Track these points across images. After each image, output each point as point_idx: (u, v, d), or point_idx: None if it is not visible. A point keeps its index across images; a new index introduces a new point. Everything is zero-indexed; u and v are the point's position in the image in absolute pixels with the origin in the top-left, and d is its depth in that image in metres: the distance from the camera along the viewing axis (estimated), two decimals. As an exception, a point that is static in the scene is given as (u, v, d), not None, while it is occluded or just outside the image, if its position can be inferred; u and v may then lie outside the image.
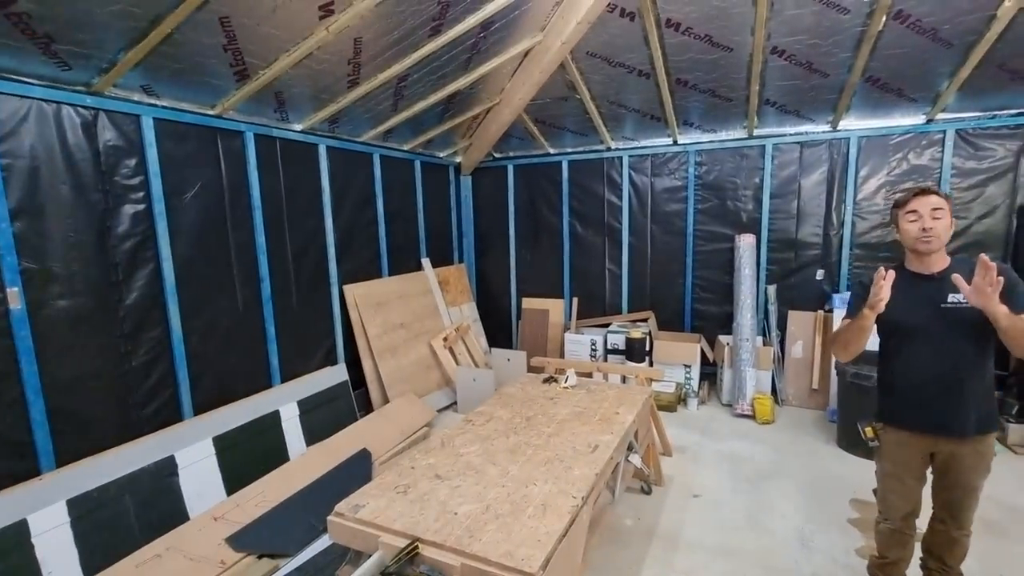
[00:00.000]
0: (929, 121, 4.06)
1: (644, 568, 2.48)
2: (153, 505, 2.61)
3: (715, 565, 2.49)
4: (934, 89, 3.77)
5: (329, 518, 1.82)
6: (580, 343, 5.12)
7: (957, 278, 1.65)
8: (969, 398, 1.80)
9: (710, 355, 4.87)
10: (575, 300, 5.52)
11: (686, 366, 4.61)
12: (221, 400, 3.19)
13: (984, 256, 1.59)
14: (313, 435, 3.56)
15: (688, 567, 2.48)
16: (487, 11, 3.08)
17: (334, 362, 4.11)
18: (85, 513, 2.36)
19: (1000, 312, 1.61)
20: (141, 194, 2.80)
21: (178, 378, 2.98)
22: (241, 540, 2.56)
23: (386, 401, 4.20)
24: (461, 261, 5.97)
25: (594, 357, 5.04)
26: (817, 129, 4.42)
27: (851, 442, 3.55)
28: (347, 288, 4.20)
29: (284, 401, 3.51)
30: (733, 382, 4.40)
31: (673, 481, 3.26)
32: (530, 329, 5.63)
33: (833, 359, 4.14)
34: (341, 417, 3.87)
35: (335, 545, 1.99)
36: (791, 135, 4.50)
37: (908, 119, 4.13)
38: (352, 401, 4.06)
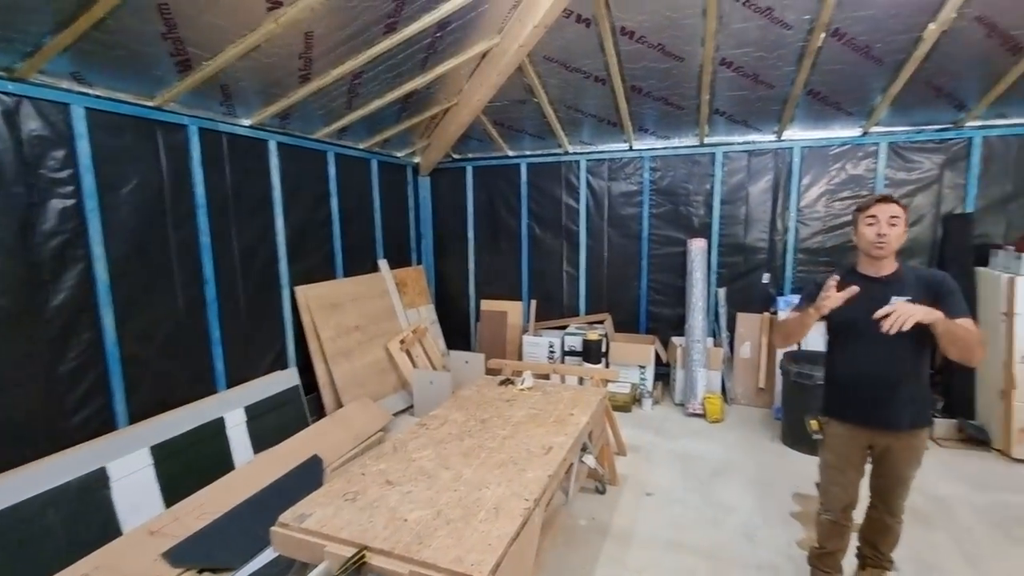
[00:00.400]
0: (865, 134, 4.31)
1: (597, 567, 2.50)
2: (82, 521, 2.44)
3: (666, 561, 2.54)
4: (869, 103, 4.01)
5: (272, 529, 1.74)
6: (538, 345, 5.14)
7: (883, 313, 1.74)
8: (906, 395, 1.92)
9: (664, 356, 4.99)
10: (533, 302, 5.55)
11: (641, 367, 4.71)
12: (160, 407, 3.02)
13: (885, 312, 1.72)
14: (261, 442, 3.43)
15: (640, 564, 2.52)
16: (443, 11, 3.05)
17: (284, 366, 3.97)
18: (3, 531, 2.18)
19: (936, 319, 1.71)
20: (71, 188, 2.62)
21: (111, 384, 2.80)
22: (179, 555, 2.42)
23: (339, 406, 4.09)
24: (419, 262, 5.90)
25: (552, 359, 5.07)
26: (763, 139, 4.61)
27: (795, 438, 3.71)
28: (299, 289, 4.06)
29: (230, 407, 3.36)
30: (685, 382, 4.52)
31: (627, 480, 3.32)
32: (489, 331, 5.61)
33: (778, 359, 4.32)
34: (291, 423, 3.73)
35: (282, 557, 1.91)
36: (739, 144, 4.68)
37: (846, 131, 4.37)
38: (303, 406, 3.93)
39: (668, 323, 5.09)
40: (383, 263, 5.14)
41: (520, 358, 5.27)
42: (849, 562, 2.25)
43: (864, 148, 4.34)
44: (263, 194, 3.79)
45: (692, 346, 4.50)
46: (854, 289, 1.81)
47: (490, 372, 4.15)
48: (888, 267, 1.96)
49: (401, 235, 5.59)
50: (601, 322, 5.28)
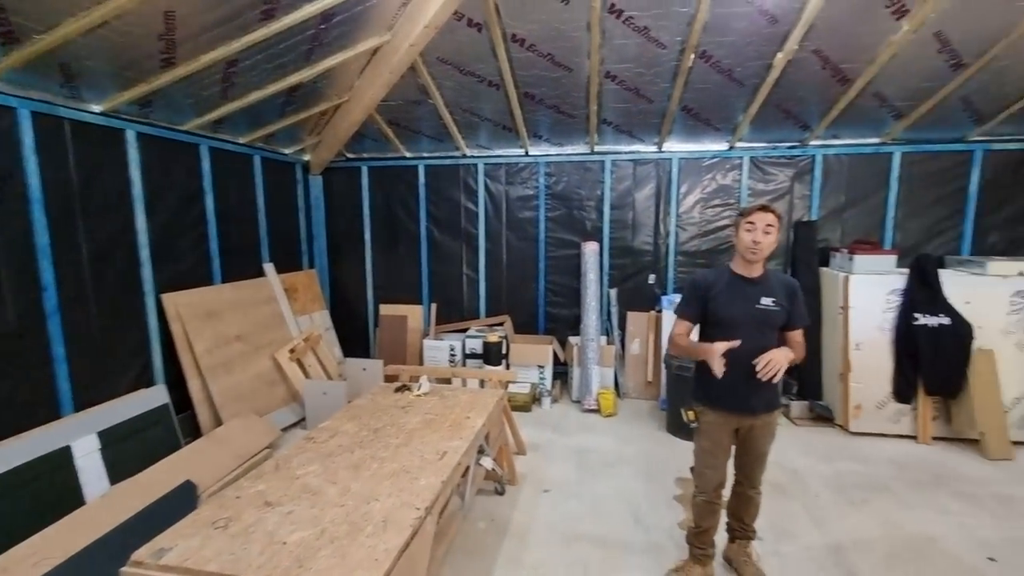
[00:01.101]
0: (731, 148, 4.79)
1: (496, 569, 2.51)
2: None
3: (562, 554, 2.62)
4: (733, 121, 4.46)
5: (122, 570, 1.53)
6: (439, 349, 5.08)
7: (763, 361, 2.01)
8: (766, 383, 2.15)
9: (561, 355, 5.17)
10: (434, 305, 5.48)
11: (540, 367, 4.83)
12: (-18, 440, 2.55)
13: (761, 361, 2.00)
14: (121, 471, 3.01)
15: (537, 561, 2.57)
16: (326, 2, 2.90)
17: (150, 383, 3.54)
18: None
19: (791, 360, 2.05)
20: None
21: (-89, 417, 2.31)
22: (7, 613, 2.05)
23: (219, 424, 3.73)
24: (311, 266, 5.57)
25: (453, 362, 5.04)
26: (647, 149, 4.95)
27: (677, 427, 4.02)
28: (167, 297, 3.65)
29: (78, 434, 2.92)
30: (581, 379, 4.70)
31: (526, 479, 3.37)
32: (388, 336, 5.44)
33: (663, 354, 4.65)
34: (160, 447, 3.33)
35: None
36: (626, 153, 4.99)
37: (716, 145, 4.82)
38: (175, 427, 3.53)
39: (566, 323, 5.27)
40: (269, 267, 4.78)
41: (421, 363, 5.18)
42: (720, 537, 2.47)
43: (731, 161, 4.82)
44: (121, 189, 3.35)
45: (587, 344, 4.69)
46: (735, 343, 2.05)
47: (389, 379, 4.02)
48: (758, 270, 2.20)
49: (290, 237, 5.24)
50: (501, 324, 5.34)
